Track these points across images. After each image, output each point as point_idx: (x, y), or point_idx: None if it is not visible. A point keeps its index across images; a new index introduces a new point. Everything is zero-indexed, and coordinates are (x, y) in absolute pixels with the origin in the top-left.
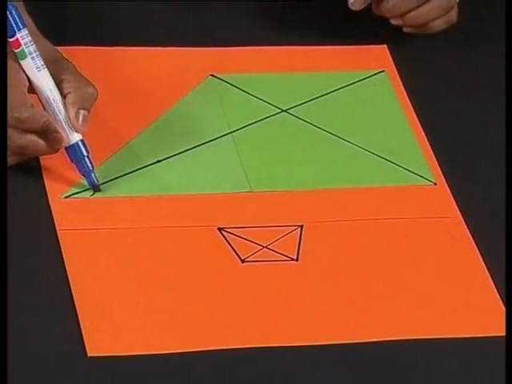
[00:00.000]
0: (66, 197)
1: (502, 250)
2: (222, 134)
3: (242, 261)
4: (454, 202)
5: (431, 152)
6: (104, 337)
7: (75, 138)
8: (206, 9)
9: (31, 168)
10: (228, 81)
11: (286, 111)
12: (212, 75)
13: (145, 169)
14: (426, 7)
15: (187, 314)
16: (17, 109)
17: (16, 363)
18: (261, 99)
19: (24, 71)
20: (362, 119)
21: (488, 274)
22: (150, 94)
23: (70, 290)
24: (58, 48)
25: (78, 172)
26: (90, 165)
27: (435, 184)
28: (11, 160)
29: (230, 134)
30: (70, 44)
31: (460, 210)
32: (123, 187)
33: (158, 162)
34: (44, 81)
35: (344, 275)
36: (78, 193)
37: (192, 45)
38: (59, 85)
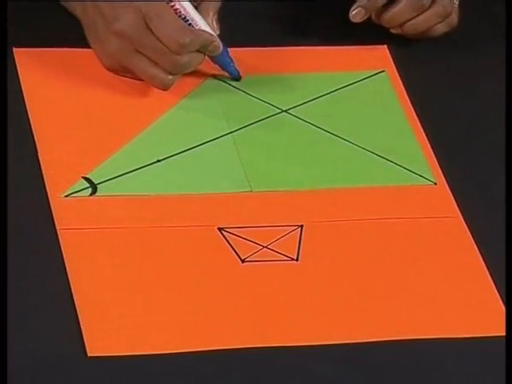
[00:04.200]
0: (66, 196)
1: (502, 250)
2: (221, 134)
3: (242, 261)
4: (454, 202)
5: (431, 152)
6: (104, 337)
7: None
8: None
9: (31, 167)
10: (228, 81)
11: (286, 111)
12: (212, 75)
13: (145, 169)
14: (423, 16)
15: (187, 314)
16: (178, 35)
17: (16, 363)
18: (261, 99)
19: None
20: (362, 119)
21: (488, 274)
22: (150, 94)
23: (70, 289)
24: (60, 49)
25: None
26: (231, 60)
27: (435, 184)
28: (172, 81)
29: (230, 134)
30: (71, 45)
31: (460, 210)
32: (123, 187)
33: (158, 161)
34: None
35: (344, 275)
36: (77, 191)
37: None
38: None
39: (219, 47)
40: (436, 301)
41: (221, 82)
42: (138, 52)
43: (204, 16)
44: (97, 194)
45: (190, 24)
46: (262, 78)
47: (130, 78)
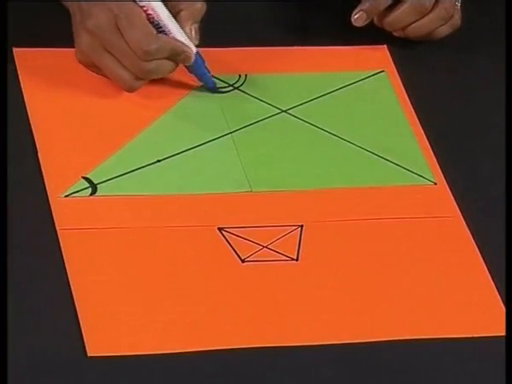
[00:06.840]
0: (66, 196)
1: (502, 250)
2: (222, 134)
3: (242, 261)
4: (454, 202)
5: (431, 152)
6: (104, 337)
7: (193, 50)
8: (206, 9)
9: (31, 167)
10: (228, 81)
11: (285, 111)
12: (212, 76)
13: (145, 169)
14: (425, 20)
15: (187, 314)
16: (144, 41)
17: (16, 363)
18: (260, 99)
19: None
20: (362, 119)
21: (488, 274)
22: (150, 93)
23: (70, 289)
24: (60, 49)
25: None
26: (207, 70)
27: (435, 184)
28: (138, 84)
29: (229, 134)
30: (71, 45)
31: (460, 210)
32: (123, 187)
33: (158, 161)
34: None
35: (344, 275)
36: (77, 191)
37: None
38: (169, 2)
39: (191, 58)
40: (436, 301)
41: (221, 81)
42: (107, 51)
43: (182, 25)
44: (97, 193)
45: (162, 31)
46: (262, 78)
47: (100, 74)
